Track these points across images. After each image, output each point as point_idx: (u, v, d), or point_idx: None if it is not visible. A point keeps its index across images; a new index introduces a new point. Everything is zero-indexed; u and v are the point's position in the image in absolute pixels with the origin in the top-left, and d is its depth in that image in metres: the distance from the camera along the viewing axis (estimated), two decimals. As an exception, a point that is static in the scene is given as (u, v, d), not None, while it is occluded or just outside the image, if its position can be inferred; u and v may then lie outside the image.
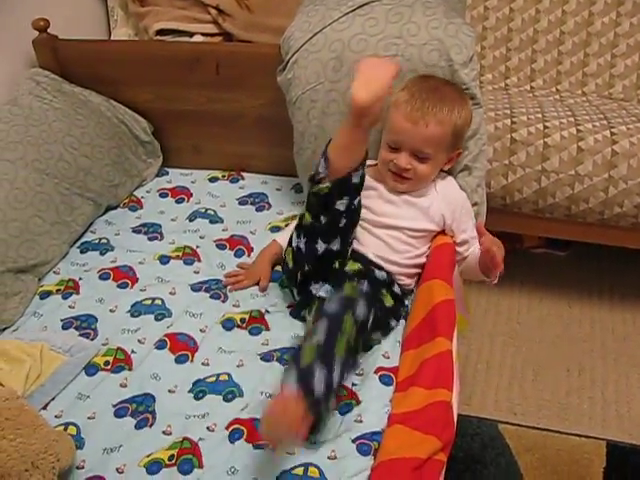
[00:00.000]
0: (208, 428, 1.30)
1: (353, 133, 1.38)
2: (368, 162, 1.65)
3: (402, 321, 1.53)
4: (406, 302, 1.57)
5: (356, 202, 1.45)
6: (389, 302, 1.49)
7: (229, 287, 1.65)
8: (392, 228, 1.54)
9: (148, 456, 1.26)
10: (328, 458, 1.23)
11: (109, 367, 1.46)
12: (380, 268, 1.52)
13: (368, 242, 1.54)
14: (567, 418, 1.97)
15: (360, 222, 1.53)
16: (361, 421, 1.30)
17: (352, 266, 1.50)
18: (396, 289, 1.53)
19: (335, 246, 1.45)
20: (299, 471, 1.21)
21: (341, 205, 1.42)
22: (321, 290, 1.48)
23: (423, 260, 1.57)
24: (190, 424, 1.32)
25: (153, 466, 1.24)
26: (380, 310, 1.43)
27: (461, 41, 1.60)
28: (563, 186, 2.01)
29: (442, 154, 1.53)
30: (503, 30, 2.45)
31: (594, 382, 2.08)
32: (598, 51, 2.38)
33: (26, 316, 1.61)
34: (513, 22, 2.44)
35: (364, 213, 1.53)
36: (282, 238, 1.69)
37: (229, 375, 1.42)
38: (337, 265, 1.48)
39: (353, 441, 1.25)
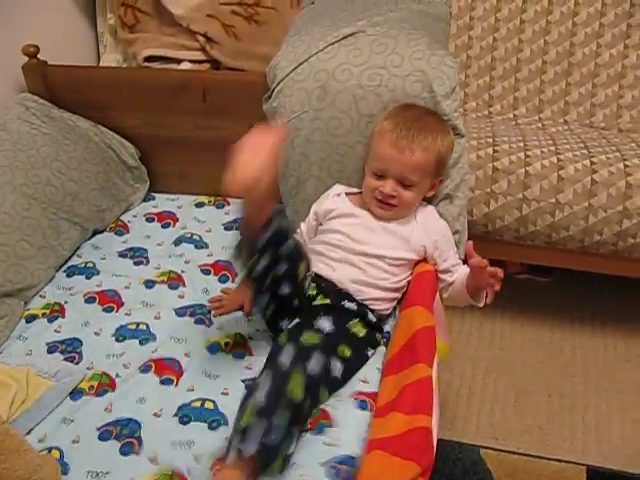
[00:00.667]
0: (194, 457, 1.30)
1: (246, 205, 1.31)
2: (350, 190, 1.68)
3: (382, 347, 1.54)
4: (385, 327, 1.58)
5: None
6: (361, 332, 1.49)
7: (213, 312, 1.66)
8: (372, 256, 1.54)
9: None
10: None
11: (93, 391, 1.45)
12: (351, 299, 1.52)
13: (344, 270, 1.54)
14: (548, 443, 1.98)
15: (336, 249, 1.56)
16: (337, 445, 1.28)
17: (321, 300, 1.51)
18: (370, 317, 1.53)
19: (285, 290, 1.42)
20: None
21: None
22: (291, 325, 1.49)
23: (402, 285, 1.58)
24: (176, 453, 1.30)
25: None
26: (351, 343, 1.44)
27: (444, 73, 1.63)
28: (544, 214, 2.04)
29: (426, 181, 1.56)
30: (487, 59, 2.50)
31: (575, 407, 2.10)
32: (579, 80, 2.44)
33: (11, 339, 1.61)
34: (497, 51, 2.49)
35: (342, 240, 1.56)
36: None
37: (214, 403, 1.40)
38: (297, 302, 1.48)
39: (329, 467, 1.24)
